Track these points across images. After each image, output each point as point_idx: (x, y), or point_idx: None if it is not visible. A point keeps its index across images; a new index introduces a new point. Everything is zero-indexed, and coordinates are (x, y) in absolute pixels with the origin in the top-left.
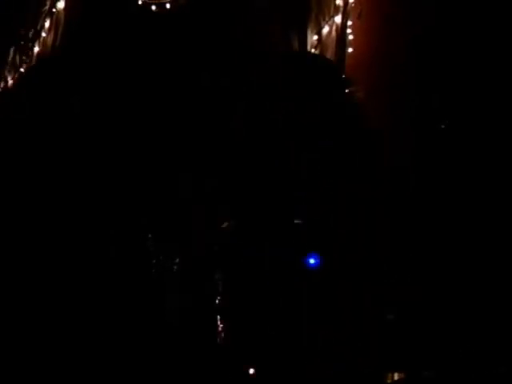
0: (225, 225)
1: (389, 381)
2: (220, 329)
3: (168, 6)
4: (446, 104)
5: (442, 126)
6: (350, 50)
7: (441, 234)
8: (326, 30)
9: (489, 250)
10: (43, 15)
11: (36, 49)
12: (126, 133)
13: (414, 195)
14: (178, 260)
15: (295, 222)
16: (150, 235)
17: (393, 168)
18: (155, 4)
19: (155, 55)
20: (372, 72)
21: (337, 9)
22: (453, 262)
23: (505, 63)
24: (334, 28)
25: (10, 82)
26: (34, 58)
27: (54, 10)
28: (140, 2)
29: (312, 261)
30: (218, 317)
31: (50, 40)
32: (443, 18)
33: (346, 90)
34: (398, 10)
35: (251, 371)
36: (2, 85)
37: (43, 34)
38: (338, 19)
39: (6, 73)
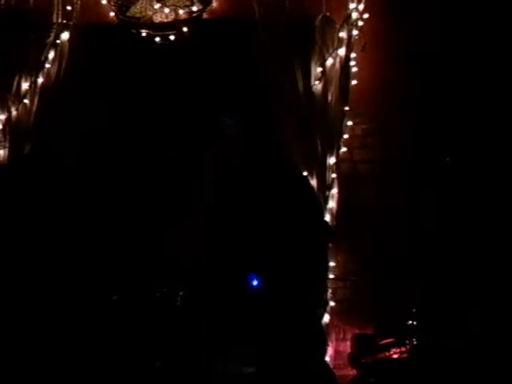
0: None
1: None
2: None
3: (172, 37)
4: (449, 137)
5: (447, 159)
6: (354, 82)
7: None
8: (329, 62)
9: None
10: (47, 46)
11: (40, 80)
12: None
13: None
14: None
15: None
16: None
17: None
18: (159, 36)
19: (158, 86)
20: (376, 104)
21: (341, 41)
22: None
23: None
24: (337, 60)
25: (14, 112)
26: (38, 89)
27: (58, 41)
28: (144, 34)
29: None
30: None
31: (53, 71)
32: (447, 49)
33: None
34: (402, 43)
35: None
36: (6, 115)
37: (47, 65)
38: (341, 51)
39: (10, 103)
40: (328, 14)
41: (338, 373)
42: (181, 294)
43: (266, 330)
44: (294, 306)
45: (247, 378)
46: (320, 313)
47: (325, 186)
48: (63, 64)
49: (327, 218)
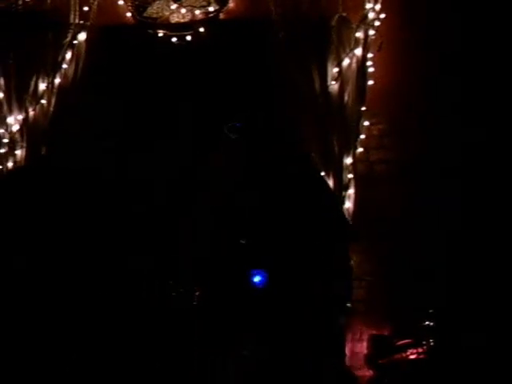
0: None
1: None
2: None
3: (189, 38)
4: (466, 136)
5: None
6: (371, 82)
7: None
8: (346, 62)
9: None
10: (65, 47)
11: (57, 80)
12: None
13: None
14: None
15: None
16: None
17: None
18: (176, 36)
19: (175, 86)
20: (392, 104)
21: (357, 41)
22: None
23: None
24: (354, 60)
25: (31, 113)
26: (55, 90)
27: (75, 41)
28: (160, 35)
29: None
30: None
31: (71, 71)
32: (464, 49)
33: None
34: (419, 43)
35: None
36: (23, 115)
37: (64, 66)
38: (358, 52)
39: (27, 104)
40: (344, 14)
41: None
42: (197, 293)
43: (281, 329)
44: (312, 307)
45: (261, 377)
46: (342, 320)
47: (341, 187)
48: (80, 64)
49: None
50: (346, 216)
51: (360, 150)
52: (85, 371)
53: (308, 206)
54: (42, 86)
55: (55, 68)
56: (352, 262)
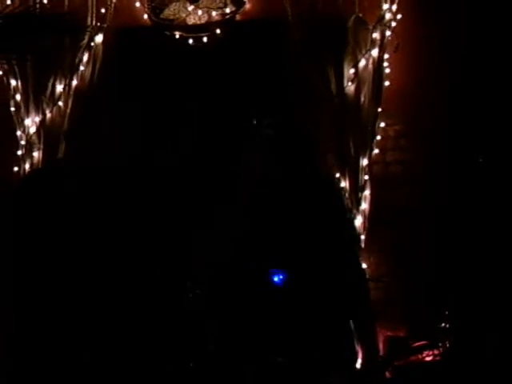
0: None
1: None
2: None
3: (205, 39)
4: (483, 138)
5: (480, 160)
6: (387, 83)
7: None
8: (362, 63)
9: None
10: (82, 49)
11: (74, 82)
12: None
13: None
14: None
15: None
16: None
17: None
18: (192, 37)
19: (191, 87)
20: (409, 105)
21: (374, 42)
22: None
23: None
24: (370, 61)
25: (48, 115)
26: (73, 92)
27: (92, 43)
28: (177, 36)
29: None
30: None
31: (88, 73)
32: (481, 50)
33: None
34: (435, 44)
35: None
36: (41, 117)
37: (81, 68)
38: (374, 52)
39: (45, 106)
40: (361, 14)
41: None
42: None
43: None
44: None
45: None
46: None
47: (357, 188)
48: (97, 66)
49: (359, 220)
50: (362, 217)
51: (376, 151)
52: (98, 372)
53: (317, 210)
54: (59, 88)
55: (72, 70)
56: (364, 264)
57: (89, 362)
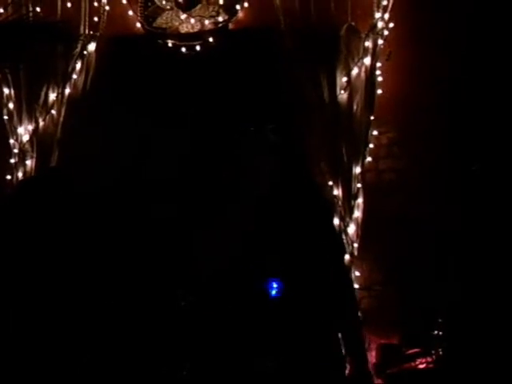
0: None
1: None
2: None
3: (198, 47)
4: (477, 145)
5: (473, 168)
6: (380, 91)
7: None
8: (355, 71)
9: None
10: (74, 57)
11: (67, 90)
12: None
13: None
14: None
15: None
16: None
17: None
18: (185, 46)
19: (184, 96)
20: (401, 113)
21: (366, 51)
22: None
23: None
24: (363, 70)
25: (41, 123)
26: (65, 100)
27: (85, 52)
28: (170, 45)
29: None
30: None
31: (80, 82)
32: (474, 57)
33: None
34: (428, 52)
35: None
36: (34, 126)
37: (74, 76)
38: (367, 61)
39: (38, 114)
40: (353, 23)
41: None
42: (206, 304)
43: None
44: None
45: None
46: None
47: (350, 196)
48: (90, 74)
49: (352, 228)
50: (355, 225)
51: (369, 159)
52: (95, 375)
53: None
54: (52, 97)
55: (65, 78)
56: (356, 272)
57: (87, 363)
